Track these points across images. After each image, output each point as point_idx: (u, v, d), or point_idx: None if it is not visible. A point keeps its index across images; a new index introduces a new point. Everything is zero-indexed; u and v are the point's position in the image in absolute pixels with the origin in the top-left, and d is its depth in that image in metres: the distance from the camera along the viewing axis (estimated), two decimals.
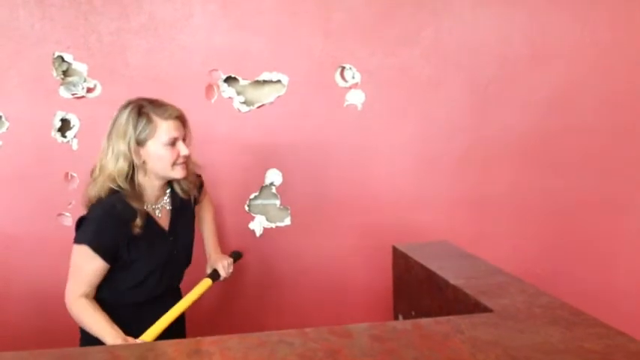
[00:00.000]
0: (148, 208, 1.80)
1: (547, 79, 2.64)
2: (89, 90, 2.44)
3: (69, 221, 2.46)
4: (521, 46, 2.61)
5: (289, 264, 2.62)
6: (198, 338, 1.18)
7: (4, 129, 2.41)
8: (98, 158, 1.76)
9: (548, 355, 1.06)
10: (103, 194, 1.72)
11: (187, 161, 1.81)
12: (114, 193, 1.72)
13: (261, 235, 2.60)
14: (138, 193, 1.75)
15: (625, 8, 2.63)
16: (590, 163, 2.70)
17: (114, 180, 1.71)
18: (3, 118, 2.40)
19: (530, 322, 1.22)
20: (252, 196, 2.58)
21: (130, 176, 1.73)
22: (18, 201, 2.45)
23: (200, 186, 2.06)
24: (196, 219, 2.07)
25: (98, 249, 1.68)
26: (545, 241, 2.69)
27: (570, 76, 2.65)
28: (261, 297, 2.65)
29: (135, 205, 1.72)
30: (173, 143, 1.75)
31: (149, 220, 1.78)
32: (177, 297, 1.94)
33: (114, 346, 1.13)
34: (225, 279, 2.09)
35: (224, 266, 2.07)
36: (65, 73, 2.44)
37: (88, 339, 1.71)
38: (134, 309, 1.79)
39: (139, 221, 1.72)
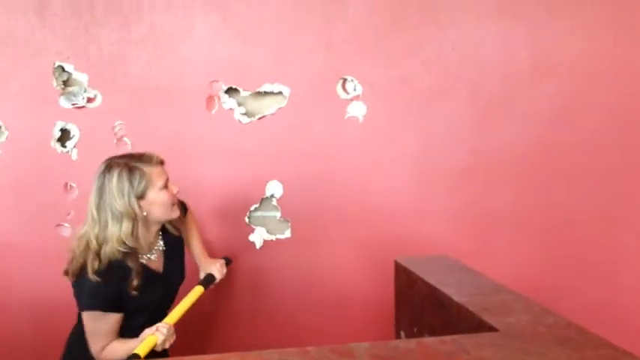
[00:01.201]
0: (143, 258, 1.85)
1: (549, 92, 2.63)
2: (89, 100, 2.43)
3: (67, 232, 2.45)
4: (524, 59, 2.60)
5: (289, 276, 2.60)
6: (200, 356, 1.16)
7: (3, 138, 2.40)
8: (90, 231, 1.75)
9: None
10: (113, 258, 1.74)
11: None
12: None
13: (261, 247, 2.58)
14: (134, 250, 1.79)
15: (628, 21, 2.61)
16: (592, 177, 2.68)
17: (123, 243, 1.73)
18: (2, 128, 2.39)
19: (537, 343, 1.20)
20: (252, 208, 2.56)
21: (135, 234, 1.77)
22: (17, 210, 2.43)
23: (185, 211, 2.12)
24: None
25: (107, 307, 1.73)
26: (547, 255, 2.67)
27: (573, 90, 2.64)
28: (261, 309, 2.62)
29: (131, 264, 1.77)
30: (166, 186, 1.82)
31: (144, 271, 1.82)
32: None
33: None
34: (219, 282, 2.12)
35: (217, 269, 2.12)
36: (65, 83, 2.43)
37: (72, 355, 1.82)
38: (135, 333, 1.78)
39: (135, 282, 1.76)
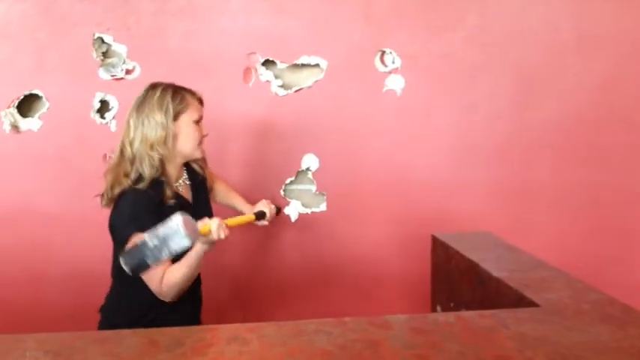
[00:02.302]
0: (172, 184, 1.83)
1: (594, 67, 2.55)
2: (128, 72, 2.44)
3: None
4: (568, 33, 2.52)
5: (324, 250, 2.60)
6: (236, 324, 1.16)
7: (44, 109, 2.43)
8: (125, 139, 1.79)
9: (600, 355, 1.01)
10: (148, 168, 1.74)
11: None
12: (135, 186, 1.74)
13: (296, 221, 2.58)
14: (164, 171, 1.79)
15: None
16: (633, 153, 2.60)
17: (155, 149, 1.74)
18: (44, 99, 2.42)
19: (579, 319, 1.17)
20: (288, 181, 2.56)
21: (171, 147, 1.77)
22: (57, 181, 2.47)
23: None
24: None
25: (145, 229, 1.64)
26: (588, 231, 2.61)
27: (618, 65, 2.56)
28: (295, 283, 2.63)
29: (164, 186, 1.77)
30: (198, 122, 1.84)
31: (176, 193, 1.82)
32: (199, 289, 1.95)
33: (151, 331, 1.12)
34: (268, 222, 2.01)
35: (268, 207, 2.03)
36: (105, 55, 2.45)
37: (108, 322, 1.82)
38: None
39: (168, 192, 1.77)
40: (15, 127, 2.42)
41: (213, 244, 1.64)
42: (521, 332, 1.10)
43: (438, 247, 1.88)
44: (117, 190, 1.75)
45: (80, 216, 2.48)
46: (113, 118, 2.45)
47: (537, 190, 2.60)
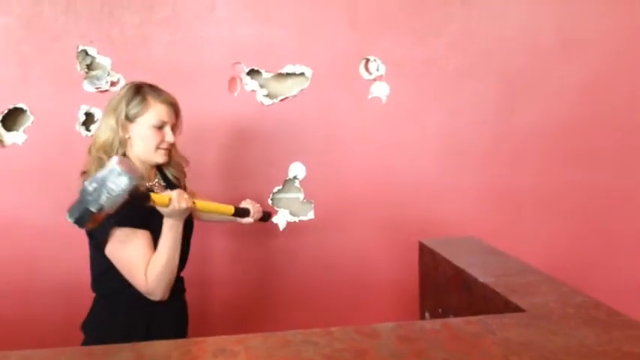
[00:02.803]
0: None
1: (578, 69, 2.58)
2: (113, 84, 2.43)
3: None
4: (552, 35, 2.55)
5: (313, 258, 2.60)
6: (223, 337, 1.16)
7: (29, 122, 2.42)
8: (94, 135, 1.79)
9: (585, 359, 1.01)
10: (94, 167, 1.69)
11: (171, 149, 1.80)
12: None
13: (284, 229, 2.58)
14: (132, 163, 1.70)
15: None
16: (620, 156, 2.63)
17: (105, 152, 1.70)
18: (28, 112, 2.41)
19: (564, 323, 1.17)
20: (275, 190, 2.56)
21: (118, 152, 1.71)
22: (43, 194, 2.46)
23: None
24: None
25: (136, 221, 1.64)
26: (575, 235, 2.63)
27: (602, 67, 2.59)
28: (283, 291, 2.63)
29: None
30: (161, 127, 1.74)
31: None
32: (183, 296, 1.92)
33: (138, 345, 1.12)
34: (252, 222, 1.99)
35: (254, 207, 2.00)
36: (89, 67, 2.44)
37: (92, 339, 1.77)
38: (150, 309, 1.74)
39: (144, 181, 1.71)
40: (0, 142, 2.41)
41: (180, 217, 1.62)
42: (506, 338, 1.10)
43: (425, 253, 1.88)
44: None
45: (66, 229, 2.44)
46: None
47: (524, 194, 2.62)
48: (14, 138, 2.42)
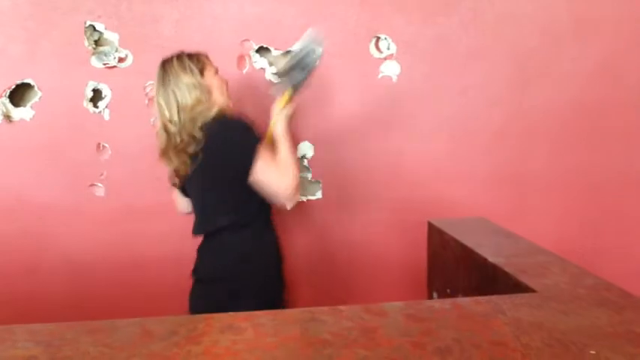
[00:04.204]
0: None
1: (590, 50, 2.54)
2: (120, 60, 2.41)
3: (101, 192, 2.46)
4: (565, 16, 2.50)
5: (320, 238, 2.59)
6: (231, 313, 1.15)
7: (37, 98, 2.40)
8: (164, 118, 1.81)
9: (596, 340, 1.00)
10: (197, 131, 1.76)
11: None
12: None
13: (292, 208, 2.56)
14: None
15: None
16: (631, 137, 2.60)
17: (196, 110, 1.78)
18: (36, 88, 2.40)
19: (576, 304, 1.16)
20: None
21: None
22: (51, 171, 2.45)
23: None
24: None
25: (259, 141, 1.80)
26: (586, 217, 2.61)
27: (615, 47, 2.54)
28: (292, 271, 2.62)
29: None
30: (217, 73, 1.93)
31: None
32: None
33: (145, 320, 1.11)
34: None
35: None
36: (97, 43, 2.42)
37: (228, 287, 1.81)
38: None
39: None
40: (7, 117, 2.40)
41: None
42: (517, 318, 1.09)
43: (434, 233, 1.87)
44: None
45: (74, 205, 2.47)
46: (106, 106, 2.43)
47: (535, 176, 2.59)
48: (22, 114, 2.41)
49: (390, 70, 2.49)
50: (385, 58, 2.49)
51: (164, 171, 2.43)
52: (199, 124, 1.76)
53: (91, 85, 2.41)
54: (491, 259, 1.45)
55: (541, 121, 2.56)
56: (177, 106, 1.78)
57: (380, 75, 2.49)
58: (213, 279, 1.86)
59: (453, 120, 2.54)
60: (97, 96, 2.43)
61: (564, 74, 2.53)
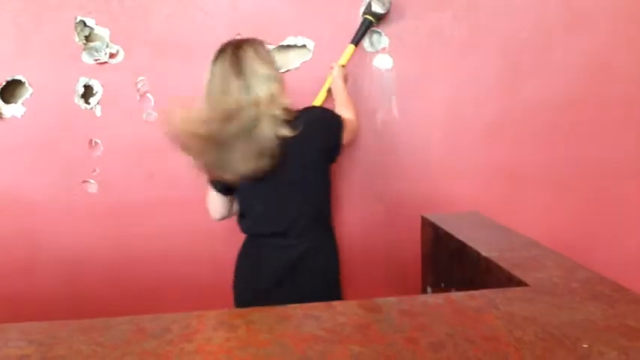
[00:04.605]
0: None
1: (584, 44, 2.53)
2: (112, 55, 2.40)
3: (94, 188, 2.45)
4: (558, 9, 2.50)
5: None
6: (224, 310, 1.15)
7: (27, 95, 2.39)
8: (242, 100, 1.73)
9: (590, 333, 1.00)
10: (268, 124, 1.72)
11: None
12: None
13: None
14: None
15: None
16: (626, 131, 2.60)
17: (277, 106, 1.74)
18: (27, 84, 2.38)
19: (569, 298, 1.16)
20: None
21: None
22: (42, 168, 2.44)
23: None
24: None
25: None
26: (579, 210, 2.61)
27: (607, 41, 2.54)
28: None
29: None
30: None
31: None
32: None
33: (139, 318, 1.11)
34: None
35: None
36: (87, 39, 2.40)
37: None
38: None
39: None
40: None
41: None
42: (510, 312, 1.09)
43: (427, 227, 1.87)
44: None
45: (67, 202, 2.46)
46: (98, 103, 2.41)
47: (528, 169, 2.59)
48: (13, 110, 2.39)
49: (383, 63, 2.48)
50: (378, 52, 2.48)
51: (157, 167, 2.43)
52: (281, 117, 1.72)
53: (82, 81, 2.39)
54: (484, 253, 1.45)
55: (533, 115, 2.56)
56: (255, 99, 1.72)
57: (373, 68, 2.48)
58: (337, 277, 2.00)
59: (445, 113, 2.54)
60: (88, 92, 2.42)
61: (556, 68, 2.53)
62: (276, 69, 1.83)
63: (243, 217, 1.95)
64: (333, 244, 1.98)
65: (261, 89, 1.72)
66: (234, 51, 1.78)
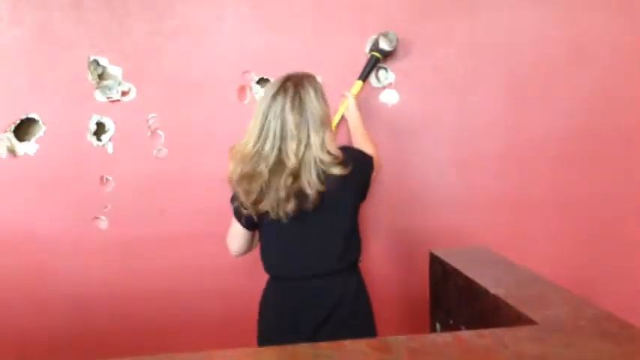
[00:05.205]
0: None
1: (587, 78, 2.57)
2: (124, 93, 2.45)
3: (104, 224, 2.48)
4: (560, 44, 2.54)
5: None
6: (233, 350, 1.16)
7: (41, 133, 2.43)
8: (286, 149, 1.73)
9: None
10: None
11: None
12: None
13: None
14: None
15: None
16: (630, 163, 2.62)
17: (327, 152, 1.75)
18: (40, 122, 2.43)
19: (577, 336, 1.17)
20: None
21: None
22: (54, 204, 2.47)
23: None
24: None
25: None
26: (589, 246, 2.61)
27: (610, 75, 2.57)
28: None
29: None
30: None
31: None
32: None
33: (151, 358, 1.12)
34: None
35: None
36: (100, 77, 2.45)
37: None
38: None
39: None
40: (12, 152, 2.43)
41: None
42: (519, 351, 1.10)
43: (436, 263, 1.88)
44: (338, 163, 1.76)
45: (78, 239, 2.48)
46: (109, 139, 2.45)
47: (535, 202, 2.60)
48: (26, 148, 2.43)
49: (390, 98, 2.52)
50: (384, 87, 2.52)
51: (167, 203, 2.45)
52: (328, 161, 1.73)
53: (95, 118, 2.44)
54: (492, 290, 1.46)
55: (538, 148, 2.58)
56: (308, 142, 1.72)
57: (379, 104, 2.52)
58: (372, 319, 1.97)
59: (451, 147, 2.56)
60: (100, 129, 2.46)
61: (561, 101, 2.56)
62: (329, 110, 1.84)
63: (270, 256, 1.92)
64: (364, 287, 1.97)
65: (316, 139, 1.72)
66: (296, 89, 1.76)
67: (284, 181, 1.70)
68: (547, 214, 2.60)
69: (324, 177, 1.72)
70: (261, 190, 1.72)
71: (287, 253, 1.87)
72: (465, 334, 1.21)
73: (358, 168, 1.84)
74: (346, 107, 2.39)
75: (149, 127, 2.46)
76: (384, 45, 2.40)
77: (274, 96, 1.76)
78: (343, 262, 1.85)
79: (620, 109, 2.58)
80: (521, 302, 1.37)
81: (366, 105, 2.51)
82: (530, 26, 2.52)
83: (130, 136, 2.46)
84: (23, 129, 2.45)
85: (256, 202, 1.75)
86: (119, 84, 2.44)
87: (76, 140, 2.44)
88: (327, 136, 1.74)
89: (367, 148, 2.14)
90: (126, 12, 2.41)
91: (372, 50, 2.43)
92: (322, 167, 1.72)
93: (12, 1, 2.39)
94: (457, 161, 2.56)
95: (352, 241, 1.89)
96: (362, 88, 2.43)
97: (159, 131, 2.47)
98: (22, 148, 2.43)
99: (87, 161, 2.46)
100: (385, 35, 2.40)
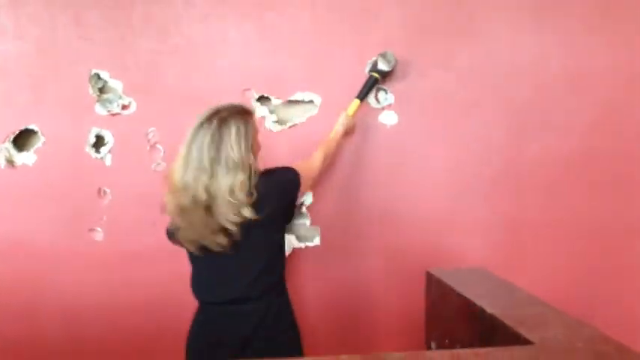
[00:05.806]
0: None
1: (584, 103, 2.59)
2: (124, 107, 2.46)
3: (100, 236, 2.48)
4: (558, 70, 2.57)
5: (318, 285, 2.59)
6: None
7: (39, 144, 2.44)
8: (196, 183, 1.75)
9: None
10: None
11: None
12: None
13: (290, 255, 2.58)
14: None
15: None
16: (629, 187, 2.63)
17: (233, 193, 1.75)
18: (39, 133, 2.43)
19: (573, 357, 1.17)
20: None
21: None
22: (51, 215, 2.47)
23: None
24: None
25: None
26: (585, 268, 2.62)
27: (609, 100, 2.60)
28: None
29: None
30: None
31: None
32: None
33: None
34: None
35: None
36: (101, 90, 2.47)
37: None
38: None
39: None
40: (10, 162, 2.43)
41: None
42: None
43: (433, 283, 1.88)
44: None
45: (73, 250, 2.48)
46: (108, 152, 2.46)
47: (531, 226, 2.61)
48: (24, 159, 2.44)
49: (388, 119, 2.54)
50: (383, 108, 2.54)
51: (161, 216, 2.45)
52: (239, 203, 1.73)
53: (94, 131, 2.45)
54: (489, 310, 1.47)
55: (537, 171, 2.59)
56: (217, 181, 1.74)
57: (378, 124, 2.54)
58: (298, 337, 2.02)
59: (449, 169, 2.57)
60: (99, 142, 2.47)
61: (560, 126, 2.58)
62: (252, 150, 1.82)
63: (196, 283, 1.96)
64: (288, 308, 2.00)
65: (226, 180, 1.73)
66: (220, 124, 1.78)
67: (200, 216, 1.74)
68: (543, 237, 2.61)
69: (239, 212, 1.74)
70: (187, 224, 1.78)
71: (209, 281, 1.92)
72: (462, 353, 1.21)
73: (278, 194, 1.89)
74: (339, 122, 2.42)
75: (148, 140, 2.48)
76: (382, 65, 2.43)
77: (199, 127, 1.79)
78: (259, 288, 1.87)
79: (618, 134, 2.60)
80: (518, 322, 1.37)
81: (365, 125, 2.54)
82: (530, 51, 2.55)
83: (129, 150, 2.47)
84: (22, 140, 2.46)
85: (183, 235, 1.82)
86: (120, 97, 2.46)
87: (75, 152, 2.46)
88: (238, 180, 1.73)
89: (316, 156, 2.25)
90: (130, 28, 2.44)
91: (371, 70, 2.46)
92: (234, 209, 1.73)
93: (15, 17, 2.42)
94: (455, 182, 2.58)
95: (269, 267, 1.91)
96: (359, 107, 2.45)
97: (158, 145, 2.48)
98: (20, 158, 2.44)
99: (85, 173, 2.47)
100: (383, 56, 2.43)
